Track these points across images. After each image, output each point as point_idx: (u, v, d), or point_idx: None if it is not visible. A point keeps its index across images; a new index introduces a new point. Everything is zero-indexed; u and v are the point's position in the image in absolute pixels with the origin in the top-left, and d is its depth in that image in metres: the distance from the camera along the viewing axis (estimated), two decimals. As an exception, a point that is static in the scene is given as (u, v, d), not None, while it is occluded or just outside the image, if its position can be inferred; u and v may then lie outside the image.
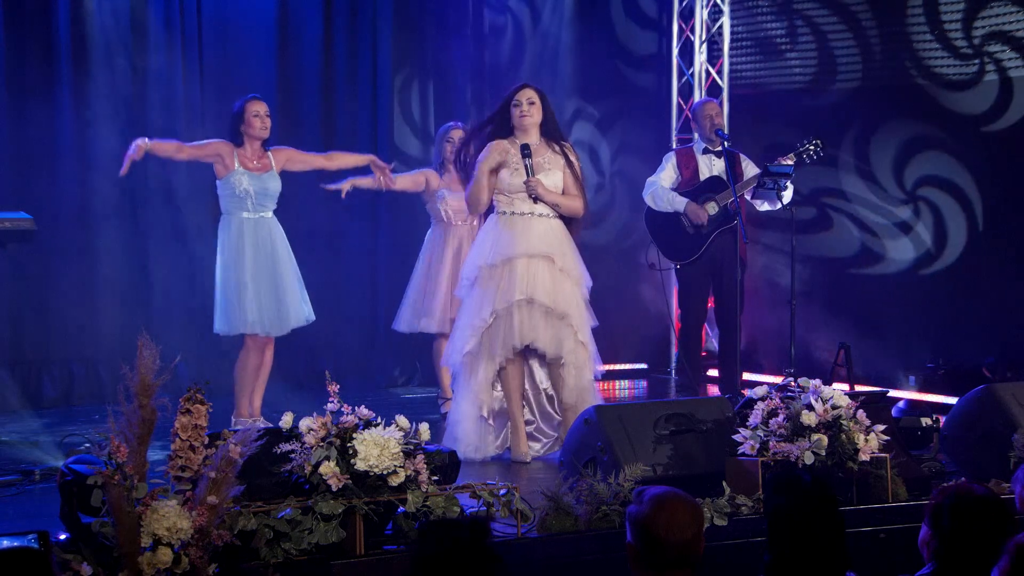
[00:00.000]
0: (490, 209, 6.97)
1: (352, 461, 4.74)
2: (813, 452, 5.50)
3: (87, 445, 6.58)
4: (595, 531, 5.18)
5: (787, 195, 7.95)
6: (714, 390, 8.81)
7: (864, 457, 5.62)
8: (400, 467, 4.79)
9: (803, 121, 9.15)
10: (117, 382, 4.39)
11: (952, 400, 7.26)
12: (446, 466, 5.10)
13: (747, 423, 5.67)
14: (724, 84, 10.36)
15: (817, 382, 5.74)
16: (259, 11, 9.35)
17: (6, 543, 3.90)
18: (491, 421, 6.90)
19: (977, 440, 6.21)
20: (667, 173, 8.53)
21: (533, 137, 6.89)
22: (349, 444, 4.76)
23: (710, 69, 10.43)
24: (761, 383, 5.97)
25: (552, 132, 6.96)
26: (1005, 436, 6.03)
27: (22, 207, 7.69)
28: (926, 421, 6.63)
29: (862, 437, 5.62)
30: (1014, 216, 8.60)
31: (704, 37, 10.46)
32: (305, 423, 4.85)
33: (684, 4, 10.53)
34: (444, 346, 8.27)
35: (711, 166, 8.48)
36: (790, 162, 8.16)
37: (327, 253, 9.50)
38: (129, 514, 4.26)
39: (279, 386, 8.56)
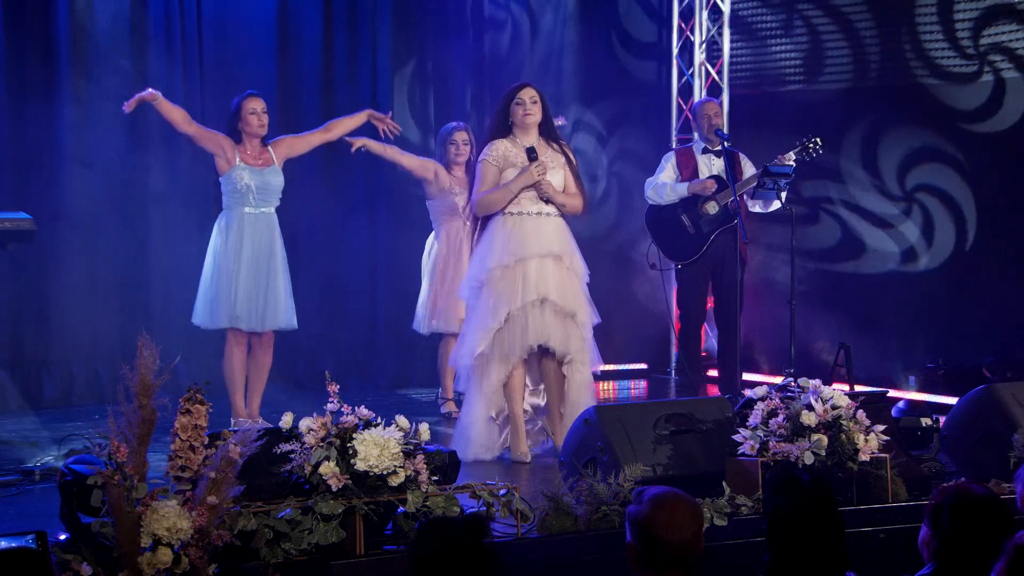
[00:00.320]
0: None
1: (352, 461, 4.74)
2: (813, 452, 5.50)
3: (87, 445, 6.58)
4: (595, 531, 5.18)
5: (783, 195, 7.95)
6: (714, 390, 8.81)
7: (864, 457, 5.62)
8: (400, 467, 4.79)
9: (803, 121, 9.15)
10: (117, 382, 4.39)
11: (952, 400, 7.25)
12: (446, 466, 5.10)
13: (747, 423, 5.67)
14: (724, 84, 10.36)
15: (817, 382, 5.74)
16: (259, 11, 9.34)
17: (4, 543, 3.90)
18: (498, 421, 6.92)
19: (977, 440, 6.21)
20: (667, 173, 8.53)
21: (533, 136, 6.91)
22: (349, 444, 4.76)
23: (710, 69, 10.43)
24: (761, 383, 5.97)
25: (550, 131, 6.99)
26: (1005, 436, 6.03)
27: (22, 207, 7.69)
28: (926, 421, 6.63)
29: (862, 437, 5.62)
30: (1014, 216, 8.60)
31: (704, 37, 10.46)
32: (305, 423, 4.85)
33: (684, 4, 10.53)
34: (451, 345, 8.29)
35: (710, 166, 8.49)
36: (790, 161, 8.16)
37: (327, 253, 9.50)
38: (129, 514, 4.26)
39: (279, 386, 8.56)
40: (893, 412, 6.48)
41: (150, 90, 7.40)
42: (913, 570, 3.73)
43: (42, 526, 4.44)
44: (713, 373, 9.20)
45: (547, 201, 6.86)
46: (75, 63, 8.74)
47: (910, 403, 7.35)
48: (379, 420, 4.90)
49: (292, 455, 4.80)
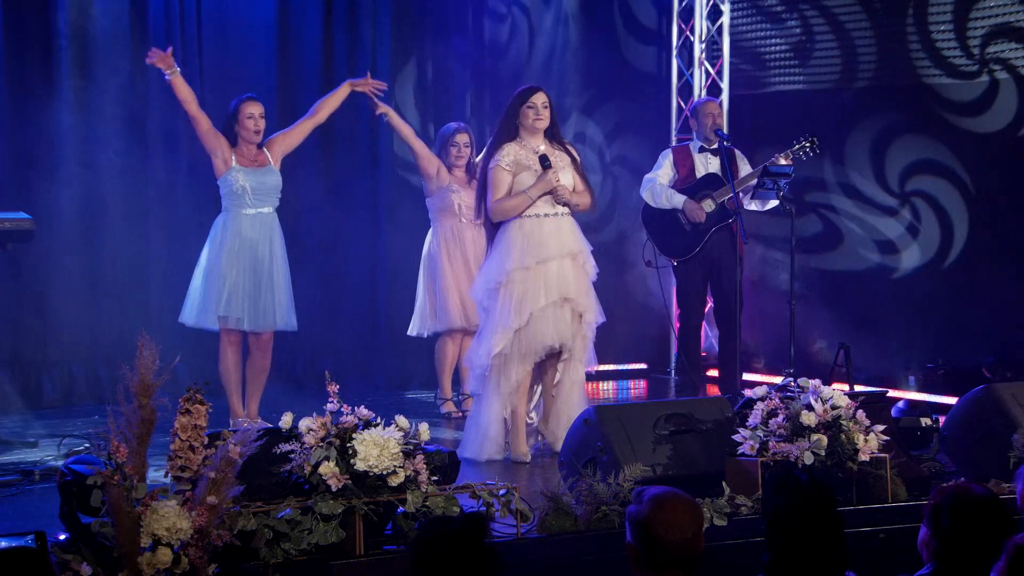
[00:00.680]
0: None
1: (352, 461, 4.74)
2: (813, 452, 5.50)
3: (87, 445, 6.58)
4: (595, 531, 5.18)
5: (781, 194, 7.95)
6: (714, 390, 8.81)
7: (864, 457, 5.62)
8: (400, 467, 4.79)
9: (802, 121, 9.14)
10: (117, 382, 4.39)
11: (952, 400, 7.25)
12: (445, 466, 5.10)
13: (747, 423, 5.67)
14: (724, 84, 10.36)
15: (817, 382, 5.74)
16: (259, 11, 9.34)
17: (3, 543, 3.90)
18: (508, 421, 6.96)
19: (977, 440, 6.21)
20: (664, 171, 8.54)
21: (539, 139, 6.96)
22: (349, 444, 4.76)
23: (710, 69, 10.43)
24: (761, 383, 5.97)
25: (556, 134, 7.06)
26: (1005, 436, 6.03)
27: (22, 207, 7.70)
28: (926, 421, 6.63)
29: (862, 437, 5.62)
30: (1014, 216, 8.60)
31: (704, 37, 10.46)
32: (305, 423, 4.85)
33: (684, 4, 10.53)
34: (448, 344, 8.30)
35: (707, 164, 8.49)
36: (786, 161, 8.16)
37: (327, 253, 9.49)
38: (129, 514, 4.26)
39: (279, 386, 8.56)
40: (893, 412, 6.47)
41: (172, 61, 7.36)
42: (913, 570, 3.72)
43: (42, 526, 4.45)
44: (713, 373, 9.20)
45: (564, 204, 6.93)
46: (75, 63, 8.73)
47: (910, 403, 7.34)
48: (379, 420, 4.90)
49: (292, 455, 4.80)
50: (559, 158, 6.97)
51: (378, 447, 4.76)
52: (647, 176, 8.60)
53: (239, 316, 7.38)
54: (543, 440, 7.05)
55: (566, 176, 6.95)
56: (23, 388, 8.55)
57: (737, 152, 8.55)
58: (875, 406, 6.04)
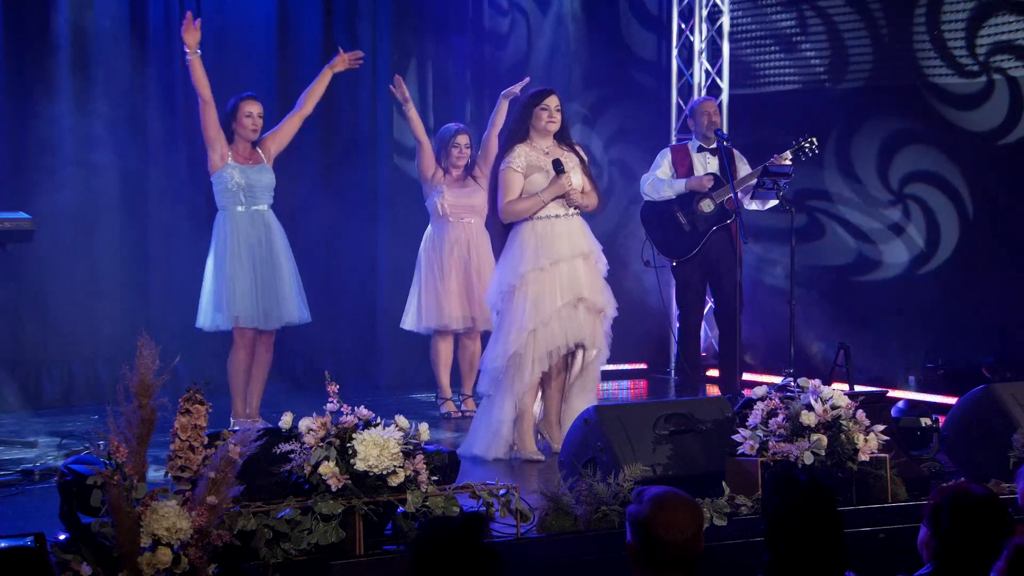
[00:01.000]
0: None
1: (352, 461, 4.74)
2: (813, 452, 5.50)
3: (87, 445, 6.58)
4: (595, 531, 5.18)
5: (781, 194, 7.96)
6: (714, 390, 8.81)
7: (864, 457, 5.62)
8: (400, 467, 4.79)
9: (802, 122, 9.14)
10: (117, 382, 4.39)
11: (951, 400, 7.26)
12: (445, 466, 5.10)
13: (747, 423, 5.67)
14: (724, 84, 10.36)
15: (817, 382, 5.74)
16: (259, 11, 9.34)
17: (3, 544, 3.90)
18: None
19: (977, 440, 6.21)
20: (663, 170, 8.54)
21: (549, 141, 7.03)
22: (349, 444, 4.76)
23: (709, 69, 10.43)
24: (760, 383, 5.97)
25: (565, 136, 7.11)
26: (1005, 436, 6.03)
27: (22, 207, 7.70)
28: (925, 421, 6.63)
29: (861, 437, 5.62)
30: (1013, 215, 8.60)
31: (704, 37, 10.46)
32: (305, 423, 4.85)
33: (684, 4, 10.53)
34: (441, 344, 8.31)
35: (705, 164, 8.49)
36: (787, 161, 8.16)
37: (327, 252, 9.49)
38: (129, 514, 4.26)
39: (279, 386, 8.56)
40: (893, 412, 6.47)
41: (199, 39, 7.36)
42: (913, 570, 3.73)
43: (42, 526, 4.46)
44: (713, 373, 9.19)
45: (572, 205, 7.00)
46: (75, 63, 8.73)
47: (910, 403, 7.34)
48: (379, 420, 4.90)
49: (292, 455, 4.80)
50: (568, 159, 7.02)
51: (378, 447, 4.76)
52: (645, 176, 8.61)
53: (251, 315, 7.39)
54: (543, 439, 7.06)
55: (575, 177, 7.00)
56: (23, 388, 8.55)
57: (736, 152, 8.55)
58: (875, 406, 6.04)
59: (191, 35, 7.37)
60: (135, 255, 8.95)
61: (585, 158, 7.17)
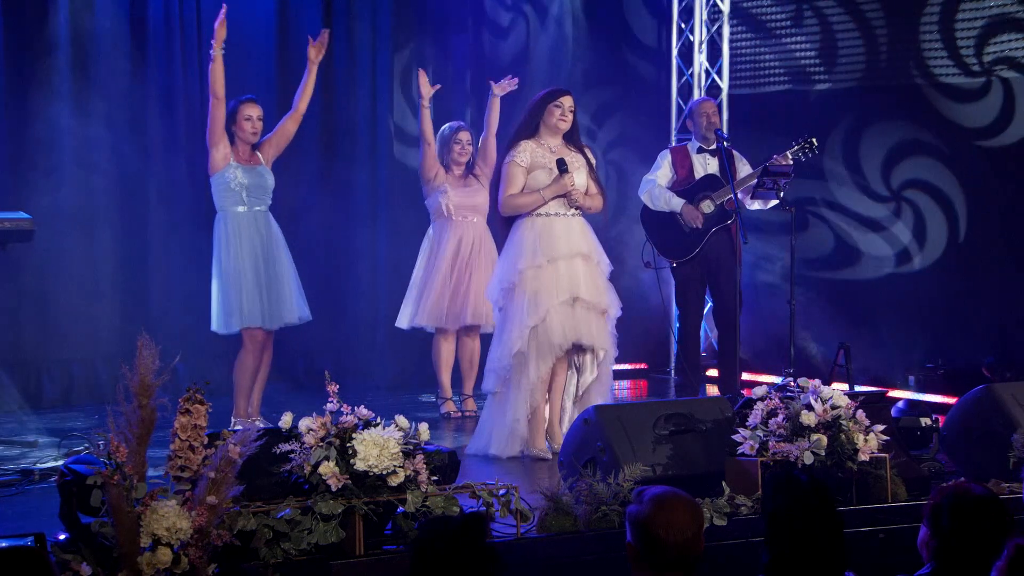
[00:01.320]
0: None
1: (352, 461, 4.74)
2: (812, 452, 5.50)
3: (87, 445, 6.58)
4: (595, 531, 5.18)
5: (782, 194, 7.96)
6: (714, 390, 8.80)
7: (863, 457, 5.62)
8: (399, 467, 4.79)
9: (801, 121, 9.15)
10: (117, 382, 4.39)
11: (951, 400, 7.26)
12: (445, 466, 5.10)
13: (746, 423, 5.67)
14: (723, 84, 10.36)
15: (816, 382, 5.74)
16: (259, 11, 9.34)
17: (3, 544, 3.90)
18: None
19: (977, 440, 6.21)
20: (663, 172, 8.53)
21: (557, 140, 7.07)
22: (348, 444, 4.76)
23: (709, 69, 10.43)
24: (760, 383, 5.97)
25: (575, 137, 7.15)
26: (1004, 436, 6.03)
27: (22, 207, 7.70)
28: (925, 421, 6.63)
29: (861, 437, 5.61)
30: (1012, 215, 8.60)
31: (704, 37, 10.46)
32: (304, 423, 4.85)
33: (684, 4, 10.53)
34: (443, 343, 8.32)
35: (706, 165, 8.49)
36: (787, 161, 8.16)
37: (327, 252, 9.50)
38: (129, 514, 4.26)
39: (279, 386, 8.56)
40: (892, 412, 6.47)
41: (224, 36, 7.36)
42: (913, 570, 3.72)
43: (42, 526, 4.46)
44: (713, 373, 9.19)
45: (573, 205, 7.02)
46: (75, 63, 8.73)
47: (909, 403, 7.35)
48: (379, 420, 4.90)
49: (292, 455, 4.80)
50: (574, 159, 7.05)
51: (378, 447, 4.76)
52: (646, 177, 8.60)
53: (258, 315, 7.40)
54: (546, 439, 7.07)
55: (580, 177, 7.03)
56: (23, 388, 8.55)
57: (736, 152, 8.54)
58: (875, 406, 6.04)
59: (223, 28, 7.37)
60: (135, 255, 8.95)
61: (593, 161, 7.20)
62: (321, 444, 4.79)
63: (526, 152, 6.98)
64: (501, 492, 5.07)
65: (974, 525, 3.58)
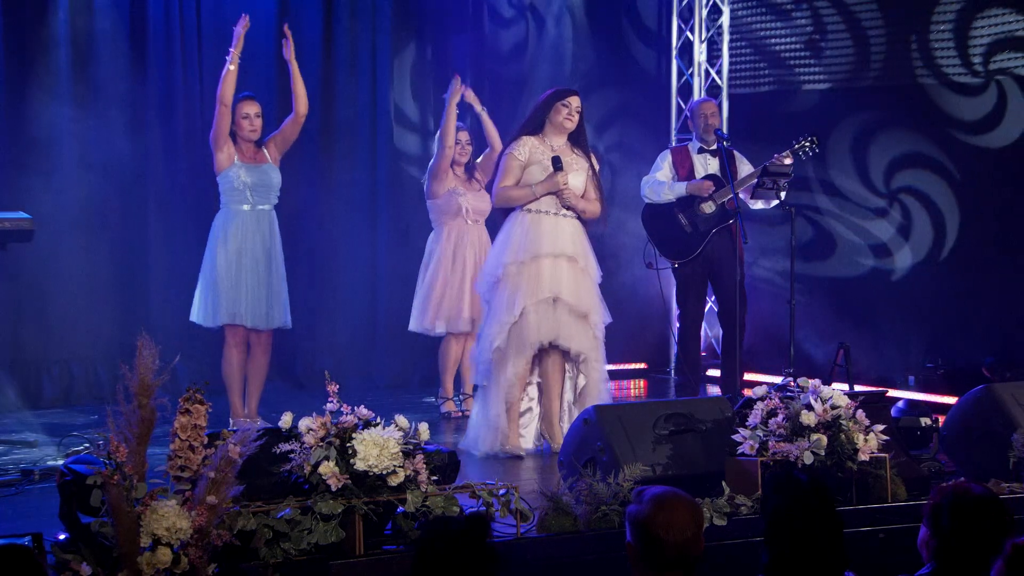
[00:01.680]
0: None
1: (351, 461, 4.74)
2: (812, 452, 5.50)
3: (87, 445, 6.58)
4: (594, 531, 5.18)
5: (783, 194, 7.97)
6: (714, 390, 8.80)
7: (863, 457, 5.62)
8: (399, 467, 4.79)
9: (801, 121, 9.15)
10: (117, 382, 4.39)
11: (951, 400, 7.26)
12: (445, 466, 5.10)
13: (747, 423, 5.67)
14: (723, 84, 10.36)
15: (816, 382, 5.73)
16: (259, 11, 9.33)
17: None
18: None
19: (977, 440, 6.21)
20: (663, 172, 8.53)
21: (562, 140, 7.09)
22: (348, 444, 4.76)
23: (709, 69, 10.43)
24: (761, 383, 5.97)
25: (581, 140, 7.18)
26: (1004, 436, 6.03)
27: (22, 207, 7.70)
28: (925, 421, 6.63)
29: (861, 437, 5.61)
30: (1012, 215, 8.60)
31: (703, 37, 10.46)
32: (304, 423, 4.85)
33: (683, 4, 10.53)
34: (453, 345, 8.33)
35: (706, 165, 8.48)
36: (787, 160, 8.15)
37: (327, 252, 9.50)
38: (128, 514, 4.26)
39: (279, 386, 8.56)
40: (892, 412, 6.48)
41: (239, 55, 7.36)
42: (913, 570, 3.72)
43: (41, 526, 4.46)
44: (713, 373, 9.18)
45: (565, 205, 7.01)
46: (75, 63, 8.74)
47: (909, 403, 7.35)
48: (379, 420, 4.90)
49: (291, 455, 4.79)
50: (574, 161, 7.05)
51: (378, 447, 4.75)
52: (646, 178, 8.60)
53: (244, 314, 7.39)
54: (544, 440, 7.08)
55: (577, 179, 7.03)
56: (23, 388, 8.55)
57: (736, 152, 8.54)
58: (875, 406, 6.03)
59: (242, 41, 7.37)
60: (135, 255, 8.96)
61: (596, 166, 7.21)
62: (321, 444, 4.78)
63: (526, 147, 7.01)
64: (501, 492, 5.07)
65: (974, 525, 3.58)
